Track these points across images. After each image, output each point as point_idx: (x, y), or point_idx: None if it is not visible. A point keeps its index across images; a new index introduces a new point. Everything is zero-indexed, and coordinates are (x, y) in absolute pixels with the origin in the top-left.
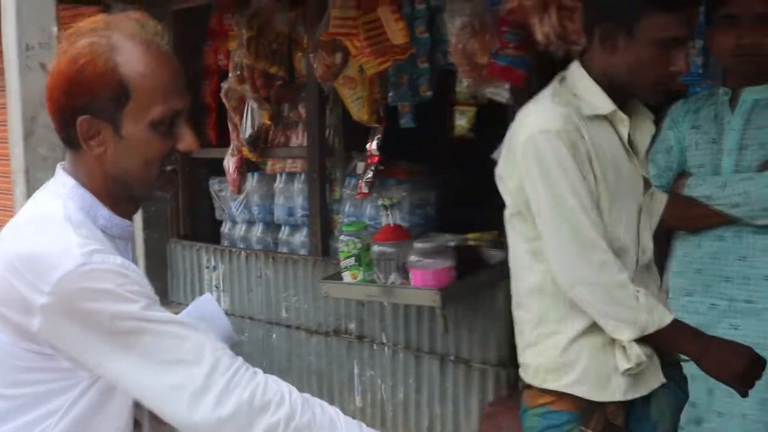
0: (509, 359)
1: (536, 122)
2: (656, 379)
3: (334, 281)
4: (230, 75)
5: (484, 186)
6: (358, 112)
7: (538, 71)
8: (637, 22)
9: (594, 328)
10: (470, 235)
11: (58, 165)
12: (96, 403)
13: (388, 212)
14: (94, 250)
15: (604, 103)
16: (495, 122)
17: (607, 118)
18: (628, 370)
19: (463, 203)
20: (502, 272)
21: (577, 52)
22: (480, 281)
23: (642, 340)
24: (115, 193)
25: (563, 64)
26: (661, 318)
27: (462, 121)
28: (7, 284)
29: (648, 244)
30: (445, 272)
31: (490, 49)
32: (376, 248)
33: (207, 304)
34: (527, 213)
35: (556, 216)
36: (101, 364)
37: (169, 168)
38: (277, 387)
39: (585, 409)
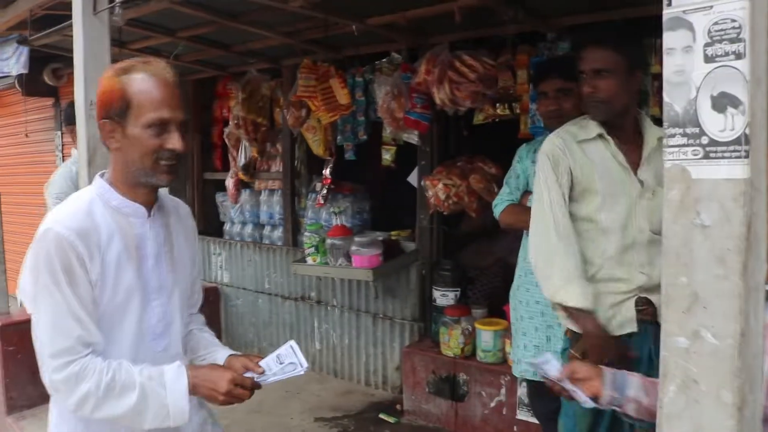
0: (419, 316)
1: (543, 145)
2: (626, 327)
3: (301, 263)
4: (231, 123)
5: (402, 199)
6: (317, 149)
7: (437, 123)
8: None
9: None
10: (393, 233)
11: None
12: None
13: (337, 216)
14: (53, 235)
15: (591, 132)
16: (409, 157)
17: (602, 140)
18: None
19: (387, 210)
20: (413, 258)
21: (463, 111)
22: (399, 263)
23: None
24: (129, 181)
25: (455, 118)
26: (564, 298)
27: (387, 156)
28: None
29: (644, 225)
30: (376, 257)
31: (404, 107)
32: (329, 241)
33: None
34: None
35: (535, 205)
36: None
37: (164, 162)
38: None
39: (574, 337)
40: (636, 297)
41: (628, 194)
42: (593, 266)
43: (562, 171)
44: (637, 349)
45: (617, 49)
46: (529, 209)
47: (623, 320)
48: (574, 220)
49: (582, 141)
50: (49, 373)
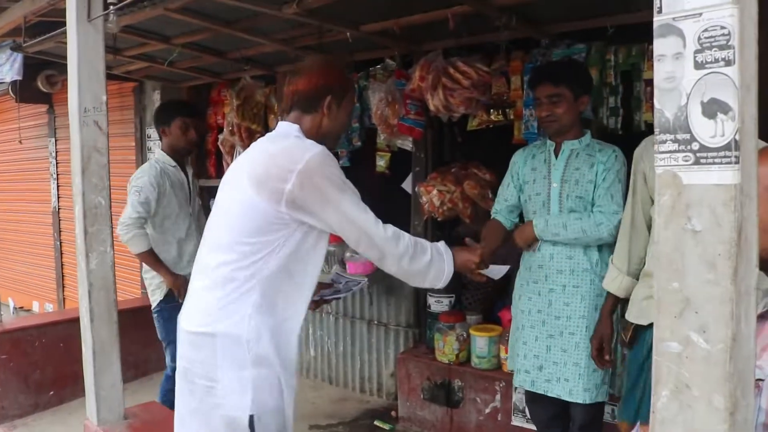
0: (414, 322)
1: None
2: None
3: None
4: (225, 130)
5: (397, 205)
6: None
7: (431, 129)
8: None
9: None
10: None
11: (282, 122)
12: (300, 241)
13: None
14: (324, 148)
15: None
16: (403, 163)
17: None
18: None
19: (382, 217)
20: None
21: (456, 117)
22: None
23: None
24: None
25: (449, 124)
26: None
27: (381, 162)
28: (269, 167)
29: None
30: (369, 264)
31: (398, 114)
32: None
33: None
34: None
35: None
36: (326, 209)
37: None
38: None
39: (623, 324)
40: None
41: None
42: (645, 260)
43: (635, 173)
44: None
45: None
46: (491, 232)
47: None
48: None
49: None
50: (381, 234)
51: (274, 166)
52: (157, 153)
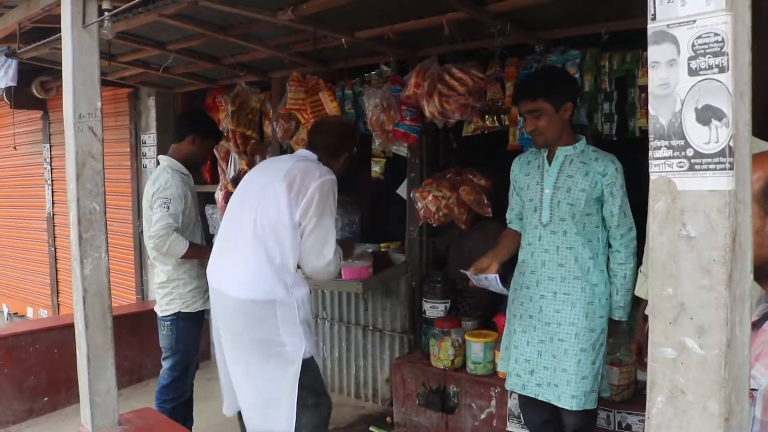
0: (409, 328)
1: None
2: None
3: None
4: None
5: (392, 211)
6: None
7: (426, 135)
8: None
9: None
10: (382, 244)
11: (300, 149)
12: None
13: None
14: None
15: None
16: (398, 169)
17: None
18: None
19: (377, 222)
20: (403, 270)
21: (452, 123)
22: (389, 276)
23: None
24: None
25: (444, 130)
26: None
27: (376, 168)
28: (297, 178)
29: None
30: (365, 269)
31: (393, 120)
32: None
33: None
34: None
35: None
36: (314, 214)
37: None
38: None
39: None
40: None
41: None
42: None
43: None
44: None
45: None
46: (504, 241)
47: None
48: None
49: None
50: (331, 256)
51: (300, 178)
52: (167, 160)
